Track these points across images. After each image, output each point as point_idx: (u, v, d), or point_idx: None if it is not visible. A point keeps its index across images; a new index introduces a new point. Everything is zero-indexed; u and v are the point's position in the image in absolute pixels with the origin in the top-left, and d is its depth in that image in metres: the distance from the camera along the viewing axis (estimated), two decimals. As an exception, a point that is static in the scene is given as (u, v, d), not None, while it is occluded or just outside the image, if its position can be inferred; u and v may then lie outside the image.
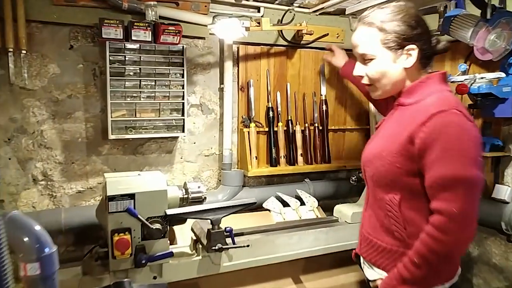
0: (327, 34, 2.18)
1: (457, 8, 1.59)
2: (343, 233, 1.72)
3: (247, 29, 1.75)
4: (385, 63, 1.16)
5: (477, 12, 1.53)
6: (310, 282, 1.86)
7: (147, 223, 1.31)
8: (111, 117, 1.80)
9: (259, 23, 1.82)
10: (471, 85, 1.45)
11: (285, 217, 1.90)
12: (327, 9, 2.11)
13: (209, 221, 1.42)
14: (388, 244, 1.19)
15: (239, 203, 1.46)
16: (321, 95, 2.28)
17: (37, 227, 0.75)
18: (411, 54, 1.13)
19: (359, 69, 1.21)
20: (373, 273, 1.24)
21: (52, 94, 1.81)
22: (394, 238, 1.17)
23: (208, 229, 1.42)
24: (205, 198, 1.48)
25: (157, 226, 1.33)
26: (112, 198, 1.29)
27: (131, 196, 1.31)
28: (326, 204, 2.26)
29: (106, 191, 1.30)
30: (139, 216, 1.30)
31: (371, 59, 1.16)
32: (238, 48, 2.10)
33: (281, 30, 2.11)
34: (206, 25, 1.92)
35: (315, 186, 2.22)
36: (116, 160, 1.96)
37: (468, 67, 1.69)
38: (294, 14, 2.00)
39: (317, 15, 2.18)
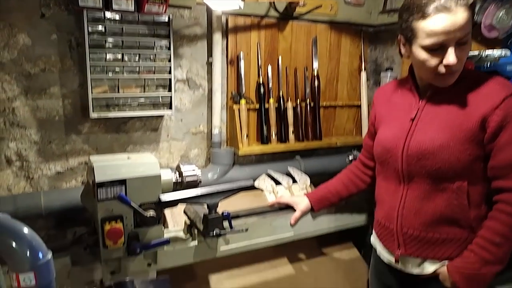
0: (321, 6, 2.07)
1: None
2: (341, 212, 1.69)
3: (243, -1, 1.61)
4: None
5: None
6: (306, 261, 1.85)
7: (141, 210, 1.22)
8: (92, 94, 1.65)
9: (255, -8, 1.69)
10: (476, 62, 1.41)
11: (278, 197, 1.85)
12: (321, -22, 2.00)
13: (205, 205, 1.34)
14: (450, 235, 1.17)
15: (237, 186, 1.38)
16: (313, 69, 2.20)
17: (27, 231, 0.65)
18: None
19: (454, 56, 1.06)
20: (427, 266, 1.21)
21: (23, 68, 1.64)
22: (459, 226, 1.16)
23: (204, 214, 1.34)
24: (200, 181, 1.39)
25: (151, 213, 1.24)
26: (101, 184, 1.18)
27: (122, 182, 1.21)
28: (317, 181, 2.23)
29: (94, 177, 1.19)
30: (132, 203, 1.20)
31: (465, 43, 1.08)
32: (227, 19, 1.96)
33: (274, 1, 1.98)
34: (193, -7, 1.77)
35: (306, 163, 2.18)
36: (98, 139, 1.83)
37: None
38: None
39: (310, -16, 2.06)
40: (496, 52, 1.38)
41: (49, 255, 0.65)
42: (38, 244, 0.64)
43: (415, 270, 1.24)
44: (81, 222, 1.75)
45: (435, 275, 1.20)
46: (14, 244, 0.62)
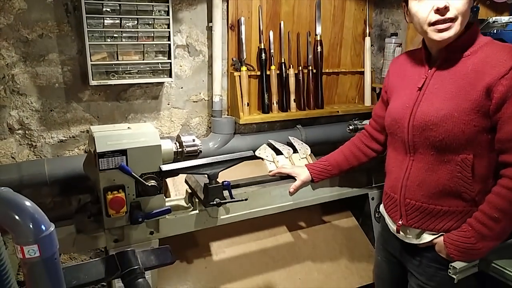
0: (325, -33, 1.98)
1: None
2: (340, 181, 1.71)
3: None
4: None
5: None
6: (305, 229, 1.89)
7: (142, 180, 1.24)
8: (91, 61, 1.63)
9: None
10: (482, 28, 1.37)
11: (278, 166, 1.87)
12: None
13: (205, 175, 1.36)
14: (452, 207, 1.16)
15: (237, 157, 1.39)
16: (316, 35, 2.14)
17: (29, 203, 0.66)
18: None
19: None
20: (426, 236, 1.22)
21: (21, 33, 1.61)
22: (462, 199, 1.15)
23: (205, 184, 1.36)
24: (201, 151, 1.40)
25: (153, 182, 1.26)
26: (102, 155, 1.19)
27: (123, 152, 1.22)
28: (318, 150, 2.24)
29: (95, 147, 1.20)
30: (133, 173, 1.22)
31: None
32: (227, -20, 1.89)
33: (276, -39, 1.90)
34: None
35: (307, 132, 2.17)
36: (99, 107, 1.82)
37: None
38: None
39: None
40: (504, 18, 1.34)
41: (52, 227, 0.67)
42: (40, 217, 0.66)
43: (414, 241, 1.26)
44: (85, 189, 1.79)
45: (432, 244, 1.22)
46: (17, 218, 0.64)
